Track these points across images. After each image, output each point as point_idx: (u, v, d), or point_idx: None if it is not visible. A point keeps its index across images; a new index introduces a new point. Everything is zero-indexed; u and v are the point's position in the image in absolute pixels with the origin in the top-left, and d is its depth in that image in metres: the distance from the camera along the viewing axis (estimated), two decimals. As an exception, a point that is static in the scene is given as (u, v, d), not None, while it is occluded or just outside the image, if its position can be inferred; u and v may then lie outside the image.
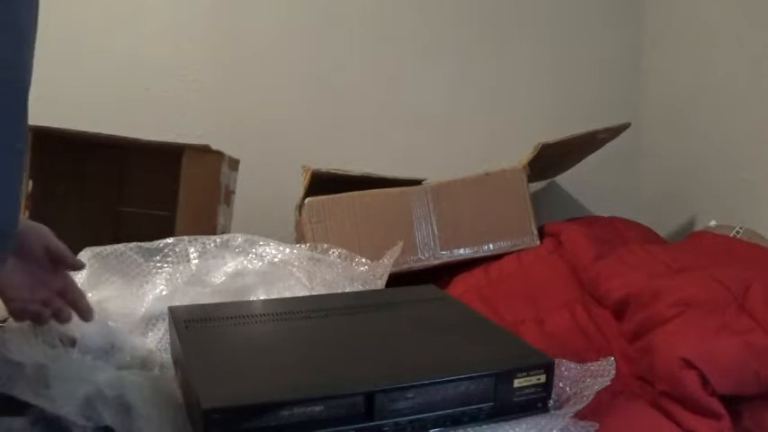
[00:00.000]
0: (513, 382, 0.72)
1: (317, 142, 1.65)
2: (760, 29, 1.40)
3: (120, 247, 0.98)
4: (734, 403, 0.80)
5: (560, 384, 0.77)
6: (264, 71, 1.63)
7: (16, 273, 0.74)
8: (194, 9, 1.58)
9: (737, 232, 1.30)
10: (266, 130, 1.63)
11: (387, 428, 0.67)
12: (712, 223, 1.41)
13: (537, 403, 0.73)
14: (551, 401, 0.74)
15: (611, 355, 0.81)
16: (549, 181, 1.80)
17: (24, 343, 0.74)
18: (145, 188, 1.40)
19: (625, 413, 0.80)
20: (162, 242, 1.01)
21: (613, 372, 0.76)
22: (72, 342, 0.79)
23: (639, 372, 0.90)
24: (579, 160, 1.64)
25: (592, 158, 1.63)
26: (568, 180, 1.79)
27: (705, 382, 0.79)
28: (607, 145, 1.56)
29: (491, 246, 1.33)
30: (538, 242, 1.34)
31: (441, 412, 0.69)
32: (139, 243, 0.99)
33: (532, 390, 0.73)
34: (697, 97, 1.61)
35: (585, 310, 1.10)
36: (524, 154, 1.37)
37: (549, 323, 1.09)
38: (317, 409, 0.64)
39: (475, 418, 0.71)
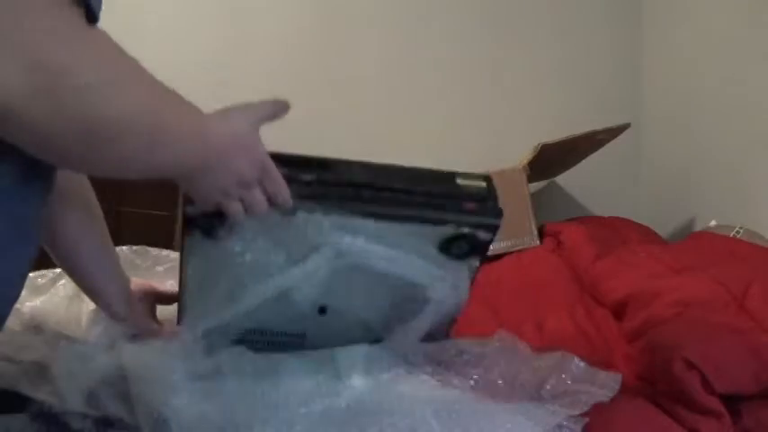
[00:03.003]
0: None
1: (317, 142, 1.64)
2: (759, 30, 1.40)
3: (125, 249, 0.97)
4: (734, 402, 0.80)
5: (563, 376, 0.76)
6: (265, 71, 1.63)
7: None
8: (197, 10, 1.58)
9: (737, 232, 1.30)
10: (266, 130, 1.62)
11: None
12: (712, 223, 1.41)
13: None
14: (548, 386, 0.74)
15: (611, 355, 0.80)
16: (549, 181, 1.80)
17: (25, 343, 0.74)
18: (145, 188, 1.39)
19: (625, 413, 0.79)
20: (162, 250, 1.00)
21: (617, 388, 0.74)
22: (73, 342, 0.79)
23: (640, 371, 0.90)
24: (579, 160, 1.65)
25: (592, 159, 1.63)
26: (568, 180, 1.79)
27: (705, 381, 0.79)
28: (607, 145, 1.56)
29: (491, 246, 1.33)
30: (538, 242, 1.34)
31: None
32: (134, 246, 0.98)
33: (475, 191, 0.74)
34: (697, 98, 1.61)
35: (585, 310, 1.10)
36: (524, 154, 1.38)
37: (548, 323, 1.09)
38: None
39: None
